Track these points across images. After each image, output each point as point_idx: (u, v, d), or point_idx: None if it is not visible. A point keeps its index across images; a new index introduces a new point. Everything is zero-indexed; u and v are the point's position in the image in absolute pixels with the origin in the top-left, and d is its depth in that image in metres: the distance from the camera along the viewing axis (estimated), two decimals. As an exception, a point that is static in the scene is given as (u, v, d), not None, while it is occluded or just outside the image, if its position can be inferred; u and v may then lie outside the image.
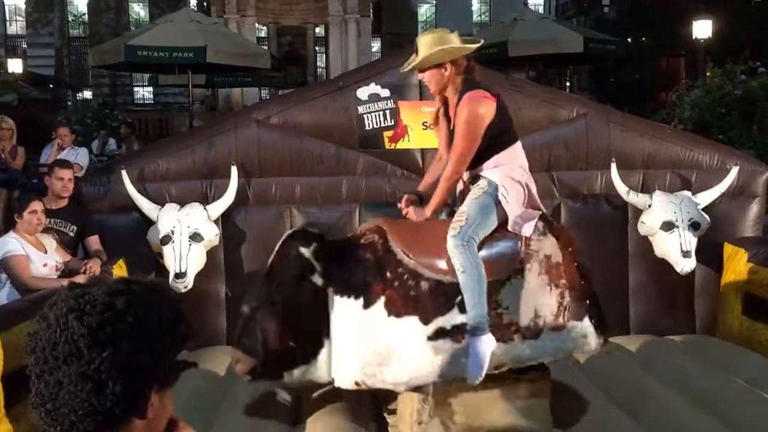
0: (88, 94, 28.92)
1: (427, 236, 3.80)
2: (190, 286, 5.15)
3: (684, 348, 5.35)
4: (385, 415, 4.20)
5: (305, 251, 3.78)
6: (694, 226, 5.38)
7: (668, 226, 5.38)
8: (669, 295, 5.74)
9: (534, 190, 3.90)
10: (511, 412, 3.82)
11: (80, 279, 4.59)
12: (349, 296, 3.72)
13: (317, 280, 3.75)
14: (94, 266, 4.80)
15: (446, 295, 3.65)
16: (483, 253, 3.68)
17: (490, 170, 3.83)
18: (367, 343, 3.68)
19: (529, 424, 3.94)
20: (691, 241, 5.34)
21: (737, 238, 5.64)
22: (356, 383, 3.73)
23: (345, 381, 3.75)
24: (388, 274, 3.72)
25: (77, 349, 1.28)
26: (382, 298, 3.68)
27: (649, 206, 5.49)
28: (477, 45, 3.89)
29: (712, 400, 4.30)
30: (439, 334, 3.64)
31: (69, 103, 25.81)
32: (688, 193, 5.60)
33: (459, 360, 3.63)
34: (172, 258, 5.17)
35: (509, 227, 3.75)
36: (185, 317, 1.44)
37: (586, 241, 5.68)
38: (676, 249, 5.36)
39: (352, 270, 3.77)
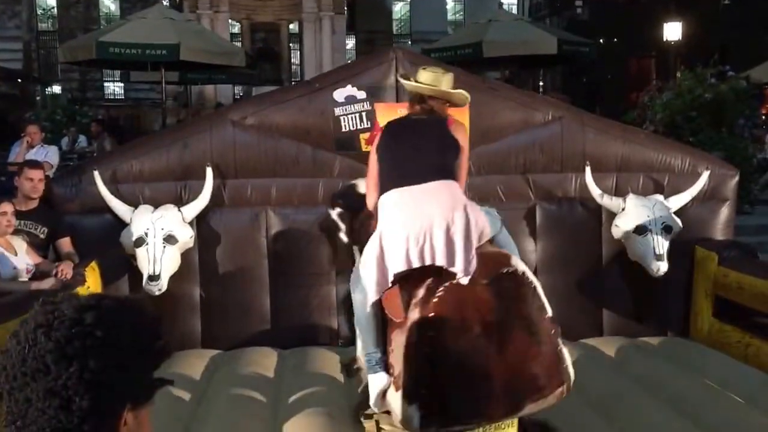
0: (57, 89, 28.56)
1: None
2: (164, 288, 5.10)
3: (656, 350, 5.41)
4: (362, 420, 4.20)
5: (332, 213, 5.05)
6: (666, 229, 5.44)
7: (641, 229, 5.43)
8: (642, 298, 5.79)
9: (412, 254, 3.49)
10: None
11: (51, 282, 4.55)
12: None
13: (343, 237, 4.80)
14: (66, 269, 4.72)
15: None
16: None
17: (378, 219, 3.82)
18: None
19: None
20: (663, 245, 5.39)
21: (708, 242, 5.71)
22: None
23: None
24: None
25: (45, 364, 1.26)
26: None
27: (623, 209, 5.54)
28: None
29: (683, 401, 4.35)
30: None
31: (38, 98, 25.48)
32: (660, 197, 5.66)
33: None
34: (145, 260, 5.11)
35: (370, 295, 3.66)
36: (161, 334, 1.41)
37: (561, 243, 5.76)
38: (649, 252, 5.41)
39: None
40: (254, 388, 4.55)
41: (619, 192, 5.75)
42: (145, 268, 5.11)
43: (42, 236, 5.20)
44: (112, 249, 5.27)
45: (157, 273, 5.08)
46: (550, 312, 3.52)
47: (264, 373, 4.91)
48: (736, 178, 5.99)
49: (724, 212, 5.93)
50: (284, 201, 5.64)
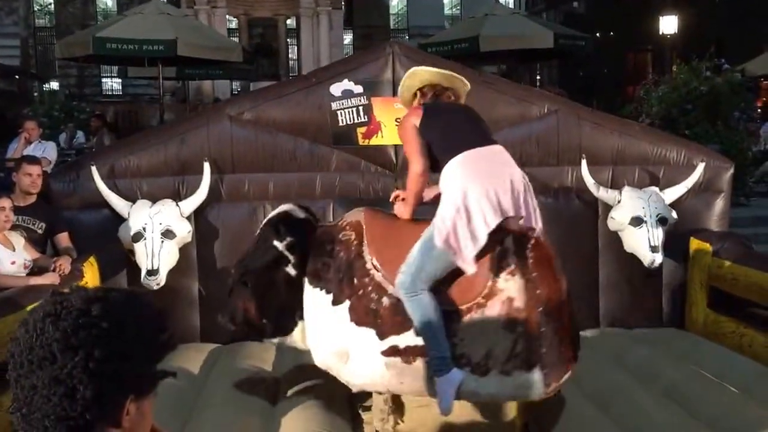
0: (55, 85, 28.47)
1: (399, 245, 3.67)
2: (162, 283, 5.14)
3: (652, 341, 5.44)
4: (360, 411, 4.24)
5: (279, 245, 3.91)
6: (661, 221, 5.48)
7: (637, 221, 5.47)
8: (637, 289, 5.82)
9: (505, 204, 3.54)
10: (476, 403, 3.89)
11: (50, 277, 4.58)
12: (321, 289, 3.80)
13: (291, 270, 3.91)
14: (64, 264, 4.74)
15: (405, 315, 3.55)
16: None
17: (447, 188, 3.65)
18: (331, 337, 3.75)
19: (493, 417, 4.03)
20: (658, 236, 5.43)
21: (703, 233, 5.74)
22: (327, 366, 3.89)
23: (318, 360, 3.91)
24: (355, 280, 3.73)
25: (51, 353, 1.29)
26: (347, 303, 3.72)
27: (619, 202, 5.57)
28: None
29: (679, 392, 4.39)
30: (392, 351, 3.60)
31: (35, 94, 25.43)
32: (655, 189, 5.69)
33: (406, 378, 3.63)
34: (144, 255, 5.15)
35: (466, 265, 3.52)
36: (166, 327, 1.44)
37: (558, 235, 5.78)
38: (645, 244, 5.45)
39: (327, 264, 3.82)
40: (253, 382, 4.58)
41: (615, 184, 5.78)
42: (144, 262, 5.15)
43: (40, 231, 5.22)
44: (110, 244, 5.30)
45: (155, 268, 5.11)
46: None
47: (262, 366, 4.94)
48: (731, 171, 6.02)
49: (719, 204, 5.96)
50: (282, 195, 5.65)
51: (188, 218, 5.37)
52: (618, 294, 5.85)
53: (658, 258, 5.44)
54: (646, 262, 5.47)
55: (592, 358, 4.99)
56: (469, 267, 3.50)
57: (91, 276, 4.98)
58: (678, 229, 5.63)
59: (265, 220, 4.06)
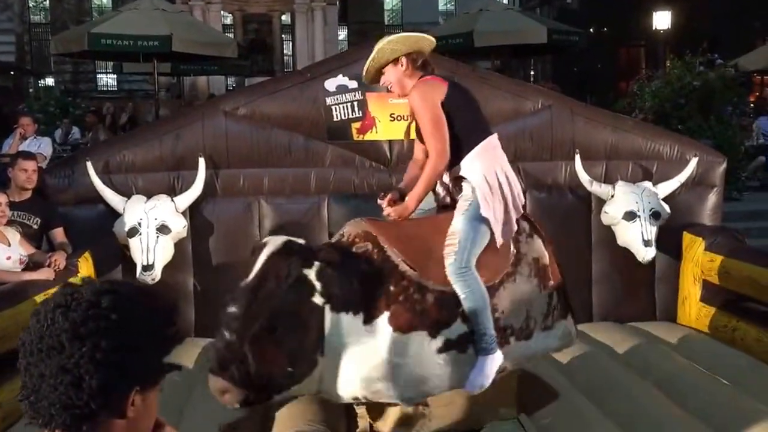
0: (50, 81, 28.43)
1: (422, 241, 3.63)
2: (157, 278, 5.16)
3: (645, 334, 5.47)
4: (354, 405, 4.25)
5: (310, 273, 3.35)
6: (654, 215, 5.51)
7: (630, 215, 5.50)
8: (630, 283, 5.86)
9: (517, 186, 3.82)
10: (477, 396, 3.90)
11: (45, 272, 4.59)
12: (348, 312, 3.40)
13: (318, 300, 3.35)
14: (59, 259, 4.76)
15: (449, 306, 3.52)
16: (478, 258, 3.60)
17: (471, 172, 3.72)
18: (368, 359, 3.42)
19: (494, 410, 4.04)
20: (651, 231, 5.47)
21: (695, 227, 5.77)
22: (355, 398, 3.57)
23: (344, 396, 3.54)
24: (391, 288, 3.46)
25: (59, 342, 1.31)
26: (386, 313, 3.43)
27: (612, 196, 5.60)
28: (424, 36, 3.88)
29: (671, 384, 4.43)
30: (446, 345, 3.52)
31: (31, 90, 25.39)
32: (649, 184, 5.72)
33: (464, 369, 3.56)
34: (139, 250, 5.17)
35: (499, 236, 3.65)
36: (174, 321, 1.46)
37: (551, 230, 5.78)
38: (638, 238, 5.49)
39: (351, 284, 3.42)
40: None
41: (609, 179, 5.81)
42: (139, 258, 5.17)
43: (35, 227, 5.23)
44: (106, 239, 5.31)
45: (150, 263, 5.13)
46: None
47: (257, 360, 4.95)
48: (724, 165, 6.05)
49: (712, 198, 5.99)
50: (277, 190, 5.68)
51: (183, 213, 5.38)
52: (611, 288, 5.88)
53: (651, 252, 5.47)
54: (639, 256, 5.50)
55: (585, 351, 5.04)
56: (500, 238, 3.66)
57: (85, 271, 4.99)
58: (671, 223, 5.66)
59: (267, 253, 3.33)
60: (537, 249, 3.87)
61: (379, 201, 3.81)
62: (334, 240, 3.75)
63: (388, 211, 3.74)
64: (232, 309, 3.22)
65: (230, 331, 3.21)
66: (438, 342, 3.50)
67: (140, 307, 1.41)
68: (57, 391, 1.31)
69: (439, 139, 3.66)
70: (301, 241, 3.51)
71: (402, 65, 3.80)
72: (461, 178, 3.76)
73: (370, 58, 3.82)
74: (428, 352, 3.49)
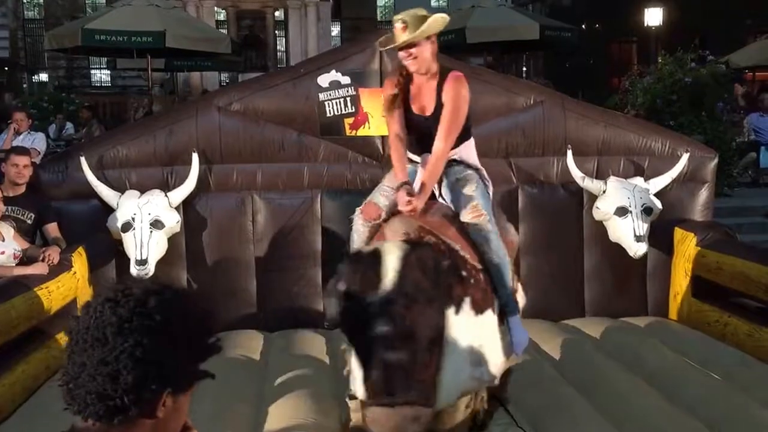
0: (44, 76, 28.39)
1: (448, 227, 3.65)
2: (151, 273, 5.16)
3: (636, 329, 5.50)
4: (347, 399, 4.26)
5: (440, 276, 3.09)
6: (646, 211, 5.54)
7: (622, 211, 5.53)
8: (622, 278, 5.88)
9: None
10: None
11: (39, 267, 4.60)
12: (449, 306, 3.20)
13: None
14: (53, 254, 4.77)
15: (490, 281, 3.63)
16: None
17: (470, 157, 3.98)
18: (466, 348, 3.32)
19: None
20: (643, 226, 5.50)
21: (687, 223, 5.78)
22: (464, 392, 3.40)
23: (454, 394, 3.31)
24: (464, 273, 3.38)
25: (104, 335, 1.37)
26: (467, 299, 3.33)
27: (604, 192, 5.63)
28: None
29: (662, 379, 4.45)
30: (500, 318, 3.63)
31: (25, 85, 25.33)
32: (640, 180, 5.75)
33: (507, 338, 3.68)
34: (132, 245, 5.18)
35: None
36: (213, 331, 1.51)
37: (543, 225, 5.84)
38: (630, 234, 5.51)
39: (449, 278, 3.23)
40: (240, 371, 4.60)
41: (600, 175, 5.84)
42: (132, 253, 5.18)
43: (29, 222, 5.24)
44: (99, 234, 5.32)
45: (144, 258, 5.14)
46: None
47: (250, 355, 4.97)
48: (715, 161, 6.08)
49: (703, 194, 6.02)
50: (270, 186, 5.70)
51: (177, 208, 5.39)
52: (603, 283, 5.91)
53: (643, 248, 5.50)
54: (630, 251, 5.53)
55: (576, 345, 5.07)
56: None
57: (79, 266, 5.00)
58: (662, 219, 5.69)
59: (397, 261, 2.92)
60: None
61: (398, 197, 3.67)
62: (401, 239, 3.35)
63: (411, 206, 3.60)
64: (384, 328, 2.76)
65: (395, 351, 2.77)
66: (496, 316, 3.61)
67: (184, 313, 1.46)
68: (95, 382, 1.36)
69: (455, 132, 3.79)
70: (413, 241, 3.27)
71: (433, 43, 3.83)
72: (456, 162, 3.92)
73: (418, 26, 3.72)
74: (495, 328, 3.59)
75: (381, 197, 3.91)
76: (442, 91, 3.81)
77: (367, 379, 2.81)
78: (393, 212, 3.78)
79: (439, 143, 3.76)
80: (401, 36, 3.76)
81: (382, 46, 4.01)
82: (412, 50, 3.79)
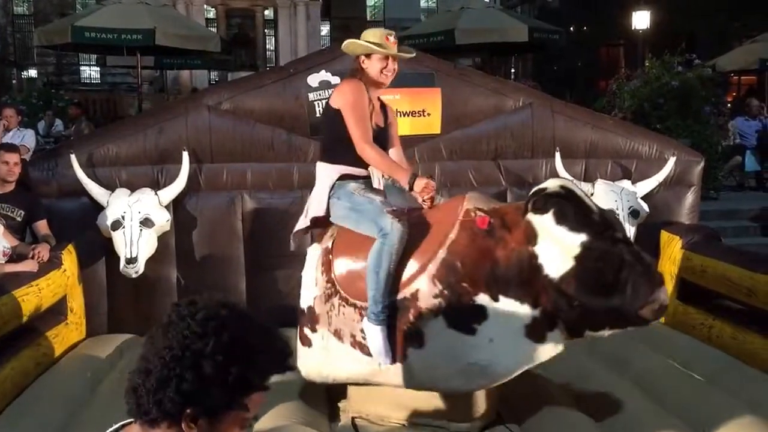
0: (33, 72, 28.23)
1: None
2: (141, 271, 5.18)
3: (623, 331, 5.52)
4: (338, 403, 4.28)
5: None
6: (633, 214, 5.59)
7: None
8: (609, 280, 5.91)
9: None
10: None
11: (28, 264, 4.61)
12: None
13: None
14: (43, 251, 4.79)
15: None
16: None
17: None
18: None
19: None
20: (630, 229, 5.53)
21: (673, 226, 5.83)
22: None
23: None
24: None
25: (155, 334, 1.47)
26: None
27: (591, 195, 5.66)
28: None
29: (648, 380, 4.49)
30: None
31: (14, 81, 25.19)
32: (628, 183, 5.80)
33: None
34: (122, 243, 5.18)
35: None
36: (265, 370, 1.48)
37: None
38: (616, 236, 5.55)
39: None
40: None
41: (588, 177, 5.88)
42: (122, 251, 5.18)
43: (19, 219, 5.23)
44: (89, 232, 5.32)
45: (134, 256, 5.15)
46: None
47: (240, 354, 4.97)
48: (702, 165, 6.15)
49: (690, 197, 6.08)
50: (260, 185, 5.71)
51: (167, 207, 5.40)
52: (590, 285, 5.93)
53: (629, 250, 5.54)
54: (617, 254, 5.57)
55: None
56: None
57: (69, 264, 5.01)
58: (649, 221, 5.74)
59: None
60: None
61: (417, 193, 3.77)
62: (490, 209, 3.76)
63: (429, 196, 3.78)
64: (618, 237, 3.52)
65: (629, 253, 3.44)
66: None
67: (233, 341, 1.44)
68: (134, 377, 1.44)
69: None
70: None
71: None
72: None
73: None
74: None
75: (395, 197, 3.98)
76: (386, 107, 4.05)
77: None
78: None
79: (401, 152, 4.14)
80: (395, 48, 3.91)
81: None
82: (395, 66, 3.92)
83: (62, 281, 4.88)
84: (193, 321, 1.42)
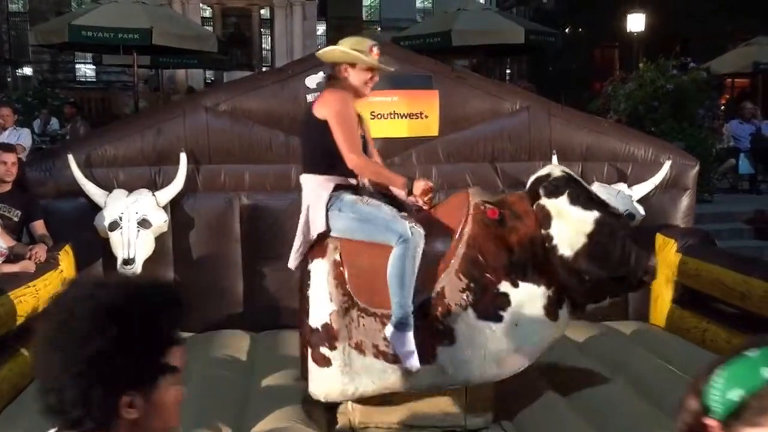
0: (28, 70, 28.12)
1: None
2: (138, 272, 5.18)
3: (618, 334, 5.56)
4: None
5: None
6: (629, 217, 5.59)
7: (605, 217, 5.59)
8: (604, 283, 5.94)
9: None
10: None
11: (25, 264, 4.61)
12: None
13: None
14: (40, 252, 4.79)
15: None
16: None
17: None
18: None
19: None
20: (626, 232, 5.55)
21: (668, 229, 5.86)
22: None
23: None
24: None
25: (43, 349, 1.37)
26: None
27: (588, 197, 5.69)
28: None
29: (643, 383, 4.50)
30: None
31: (9, 79, 25.11)
32: (624, 186, 5.83)
33: None
34: (120, 244, 5.19)
35: None
36: (177, 322, 1.45)
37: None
38: (612, 239, 5.57)
39: None
40: (227, 371, 4.62)
41: (585, 180, 5.86)
42: (119, 251, 5.19)
43: (16, 219, 5.23)
44: (86, 233, 5.32)
45: (131, 257, 5.16)
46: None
47: (237, 355, 4.99)
48: (697, 168, 6.18)
49: (685, 201, 6.11)
50: (257, 186, 5.72)
51: (164, 208, 5.41)
52: (585, 287, 5.95)
53: (625, 253, 5.56)
54: (612, 256, 5.59)
55: (559, 348, 5.11)
56: None
57: (66, 264, 5.02)
58: (644, 224, 5.76)
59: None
60: None
61: (418, 196, 3.86)
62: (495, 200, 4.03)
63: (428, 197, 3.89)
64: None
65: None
66: None
67: (130, 312, 1.36)
68: (45, 397, 1.34)
69: None
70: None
71: None
72: None
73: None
74: None
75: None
76: (359, 115, 4.04)
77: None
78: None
79: (379, 158, 4.24)
80: (377, 60, 3.96)
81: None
82: (377, 78, 4.00)
83: (59, 282, 4.88)
84: (77, 322, 1.32)
